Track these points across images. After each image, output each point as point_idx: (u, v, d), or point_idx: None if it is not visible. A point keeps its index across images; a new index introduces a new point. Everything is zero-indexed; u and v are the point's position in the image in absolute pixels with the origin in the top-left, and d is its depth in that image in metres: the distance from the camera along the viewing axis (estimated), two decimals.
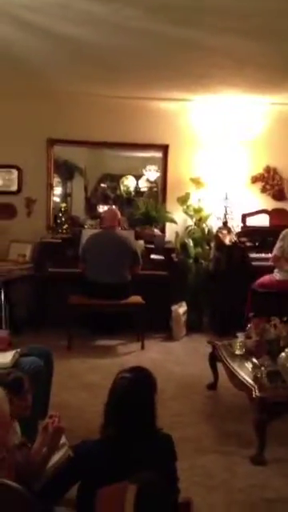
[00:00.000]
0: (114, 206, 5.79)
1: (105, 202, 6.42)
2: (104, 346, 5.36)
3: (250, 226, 6.07)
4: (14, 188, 6.20)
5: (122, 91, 5.95)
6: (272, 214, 6.14)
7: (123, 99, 6.12)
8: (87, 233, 5.70)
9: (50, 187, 6.29)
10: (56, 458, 2.33)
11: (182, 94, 5.97)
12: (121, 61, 4.74)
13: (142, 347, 5.27)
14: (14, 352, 3.04)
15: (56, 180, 6.47)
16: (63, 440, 2.40)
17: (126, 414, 2.16)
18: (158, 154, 6.42)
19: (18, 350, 3.11)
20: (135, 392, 2.20)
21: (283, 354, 3.39)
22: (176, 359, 5.03)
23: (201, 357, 4.56)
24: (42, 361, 3.14)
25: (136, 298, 5.31)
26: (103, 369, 4.48)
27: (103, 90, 5.93)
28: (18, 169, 6.18)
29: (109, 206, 5.72)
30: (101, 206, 6.25)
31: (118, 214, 5.62)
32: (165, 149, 6.34)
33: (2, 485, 1.66)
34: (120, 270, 5.28)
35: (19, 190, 6.22)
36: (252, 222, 6.13)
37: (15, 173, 6.19)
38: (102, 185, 6.70)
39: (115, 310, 5.39)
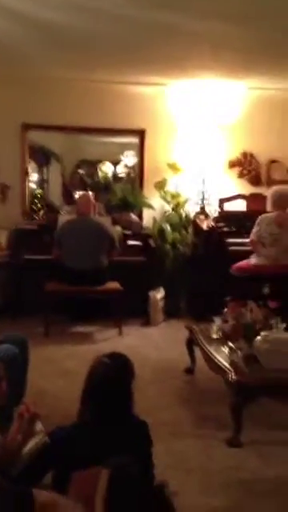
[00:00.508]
0: (90, 192, 5.73)
1: (82, 188, 6.36)
2: (81, 333, 5.34)
3: (227, 211, 6.08)
4: None
5: (98, 75, 5.88)
6: (249, 199, 6.15)
7: (99, 83, 6.06)
8: (63, 219, 5.65)
9: (26, 173, 6.21)
10: (32, 443, 2.32)
11: (158, 78, 5.92)
12: (97, 45, 4.68)
13: (120, 333, 5.27)
14: None
15: (32, 166, 6.38)
16: (40, 427, 2.39)
17: (102, 400, 2.16)
18: (135, 140, 6.38)
19: None
20: (112, 377, 2.20)
21: (259, 337, 3.41)
22: (153, 344, 5.04)
23: (178, 342, 4.57)
24: (17, 348, 3.11)
25: (113, 284, 5.30)
26: (80, 355, 4.47)
27: (79, 74, 5.86)
28: None
29: (83, 192, 5.66)
30: (78, 192, 6.18)
31: (92, 199, 5.57)
32: (141, 134, 6.29)
33: None
34: (96, 256, 5.26)
35: None
36: (229, 207, 6.14)
37: None
38: (80, 171, 6.63)
39: (92, 297, 5.37)
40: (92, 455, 1.92)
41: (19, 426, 2.28)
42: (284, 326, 3.63)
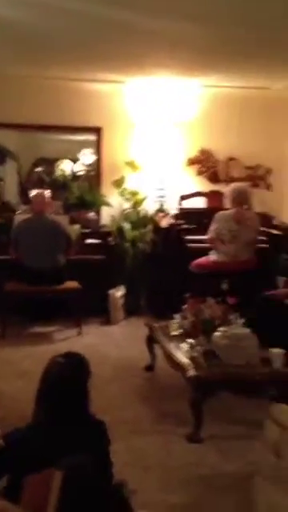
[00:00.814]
0: (45, 191, 5.64)
1: (41, 187, 6.26)
2: (40, 333, 5.26)
3: (186, 209, 6.09)
4: None
5: (54, 72, 5.81)
6: (208, 196, 6.19)
7: (56, 80, 5.99)
8: (19, 218, 5.55)
9: None
10: None
11: (115, 75, 5.89)
12: (52, 42, 4.61)
13: (80, 332, 5.21)
14: None
15: None
16: None
17: (56, 400, 2.11)
18: (93, 137, 6.33)
19: None
20: (66, 377, 2.16)
21: (217, 333, 3.42)
22: (114, 343, 5.01)
23: (139, 339, 4.55)
24: None
25: (72, 283, 5.24)
26: (39, 356, 4.36)
27: (35, 71, 5.78)
28: None
29: (38, 190, 5.58)
30: (33, 191, 6.08)
31: (47, 197, 5.49)
32: (98, 131, 6.25)
33: None
34: (53, 255, 5.19)
35: None
36: (188, 204, 6.16)
37: None
38: (38, 169, 6.53)
39: (51, 296, 5.30)
40: (47, 457, 1.87)
41: None
42: (242, 321, 3.65)
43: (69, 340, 5.05)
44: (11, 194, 6.38)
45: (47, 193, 5.53)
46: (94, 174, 6.33)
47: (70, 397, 2.13)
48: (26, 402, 3.46)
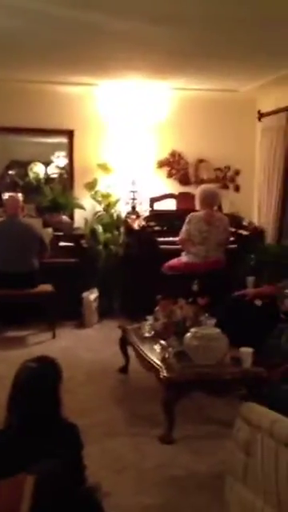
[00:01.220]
0: (19, 194, 5.63)
1: (14, 190, 6.23)
2: (13, 337, 5.25)
3: (157, 211, 6.14)
4: None
5: (25, 75, 5.80)
6: (178, 198, 6.24)
7: (27, 83, 5.98)
8: None
9: None
10: None
11: (86, 78, 5.90)
12: (21, 44, 4.60)
13: (53, 336, 5.22)
14: None
15: None
16: None
17: (27, 405, 2.12)
18: (66, 140, 6.34)
19: None
20: (37, 382, 2.17)
21: (189, 334, 3.47)
22: (87, 346, 5.03)
23: (112, 342, 4.58)
24: None
25: (45, 287, 5.24)
26: (12, 360, 4.30)
27: (7, 73, 5.75)
28: None
29: (11, 194, 5.56)
30: (6, 194, 6.06)
31: (20, 200, 5.48)
32: (70, 134, 6.27)
33: None
34: (26, 259, 5.18)
35: None
36: (159, 206, 6.21)
37: None
38: (10, 172, 6.50)
39: (24, 300, 5.28)
40: (19, 462, 1.89)
41: None
42: (213, 321, 3.72)
43: (43, 344, 5.06)
44: None
45: (20, 196, 5.53)
46: (67, 176, 6.34)
47: (41, 402, 2.14)
48: None
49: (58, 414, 2.20)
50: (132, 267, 5.85)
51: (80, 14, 3.77)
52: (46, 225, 5.84)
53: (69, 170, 6.33)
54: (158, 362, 3.42)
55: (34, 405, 2.11)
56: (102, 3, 3.57)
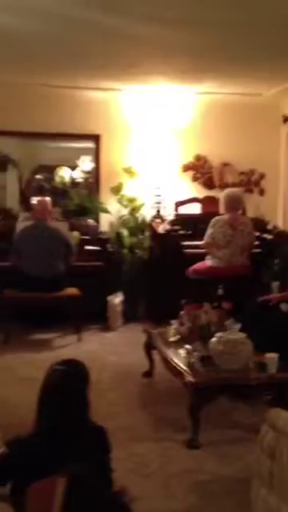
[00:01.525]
0: (47, 198, 5.71)
1: (40, 194, 6.32)
2: (41, 340, 5.32)
3: (182, 215, 6.16)
4: None
5: (52, 80, 5.89)
6: (203, 201, 6.26)
7: (55, 88, 6.06)
8: (20, 225, 5.62)
9: None
10: None
11: (111, 83, 5.97)
12: (47, 48, 4.69)
13: (79, 339, 5.28)
14: None
15: None
16: None
17: (56, 408, 2.16)
18: (92, 145, 6.40)
19: None
20: (66, 385, 2.21)
21: (214, 338, 3.48)
22: (112, 349, 5.07)
23: (137, 346, 4.61)
24: None
25: (71, 290, 5.30)
26: (40, 362, 4.42)
27: (33, 79, 5.85)
28: None
29: (40, 198, 5.65)
30: (34, 198, 6.15)
31: (49, 205, 5.56)
32: (96, 139, 6.33)
33: None
34: (53, 262, 5.25)
35: None
36: (184, 210, 6.23)
37: None
38: (37, 176, 6.60)
39: (51, 303, 5.35)
40: (49, 464, 1.93)
41: None
42: (238, 326, 3.72)
43: (69, 347, 5.11)
44: (12, 202, 6.46)
45: (48, 200, 5.60)
46: (93, 180, 6.41)
47: (70, 405, 2.18)
48: (28, 408, 3.51)
49: (86, 416, 2.24)
50: (157, 271, 5.87)
51: (106, 20, 3.83)
52: (72, 228, 5.90)
53: (95, 174, 6.39)
54: (184, 367, 3.44)
55: (63, 407, 2.15)
56: (128, 9, 3.62)
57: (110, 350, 5.03)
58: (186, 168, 6.46)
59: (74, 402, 2.19)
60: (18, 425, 3.25)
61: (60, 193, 6.36)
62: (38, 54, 4.85)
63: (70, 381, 2.22)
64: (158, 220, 6.05)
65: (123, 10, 3.64)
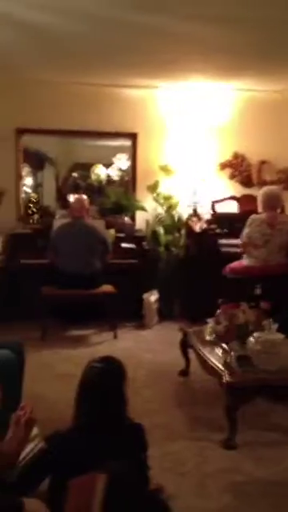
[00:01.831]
0: (84, 196, 5.76)
1: (76, 192, 6.39)
2: (77, 336, 5.38)
3: (219, 213, 6.12)
4: None
5: (89, 78, 5.91)
6: (241, 200, 6.20)
7: (92, 86, 6.09)
8: (58, 223, 5.68)
9: (20, 178, 6.24)
10: (28, 450, 2.36)
11: (149, 80, 5.96)
12: (86, 47, 4.72)
13: (115, 336, 5.31)
14: None
15: (26, 170, 6.41)
16: (36, 431, 2.43)
17: (95, 405, 2.18)
18: (128, 143, 6.42)
19: None
20: (104, 382, 2.23)
21: (251, 338, 3.45)
22: (148, 347, 5.08)
23: (172, 344, 4.61)
24: (13, 353, 3.14)
25: (107, 287, 5.33)
26: (76, 359, 4.49)
27: (71, 77, 5.89)
28: None
29: (77, 196, 5.71)
30: (71, 196, 6.21)
31: (86, 202, 5.60)
32: (133, 137, 6.33)
33: None
34: (90, 260, 5.29)
35: None
36: (221, 208, 6.18)
37: None
38: (73, 174, 6.66)
39: (87, 300, 5.39)
40: (87, 461, 1.95)
41: (15, 431, 2.32)
42: (276, 326, 3.67)
43: (105, 344, 5.16)
44: (49, 200, 6.53)
45: (85, 198, 5.65)
46: (129, 178, 6.42)
47: (108, 402, 2.20)
48: (65, 404, 3.56)
49: (124, 414, 2.25)
50: (192, 269, 5.85)
51: (144, 18, 3.84)
52: (108, 226, 5.94)
53: (131, 172, 6.41)
54: (220, 367, 3.42)
55: (100, 404, 2.17)
56: (166, 6, 3.62)
57: (146, 348, 5.04)
58: (224, 166, 6.41)
59: (111, 399, 2.21)
60: (56, 420, 3.29)
61: (95, 191, 6.41)
62: (76, 52, 4.89)
63: (107, 378, 2.24)
64: (195, 218, 6.02)
65: (163, 7, 3.64)
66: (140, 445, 2.27)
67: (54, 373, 4.33)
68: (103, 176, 6.37)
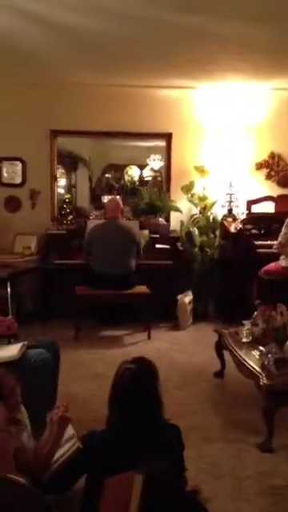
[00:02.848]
0: (117, 196, 5.77)
1: (109, 193, 6.42)
2: (110, 337, 5.37)
3: (255, 213, 6.05)
4: (18, 180, 6.22)
5: (124, 80, 5.92)
6: (277, 200, 6.10)
7: (126, 88, 6.10)
8: (92, 223, 5.70)
9: (54, 179, 6.29)
10: (64, 449, 2.35)
11: (185, 81, 5.93)
12: (123, 49, 4.72)
13: (149, 337, 5.28)
14: (21, 344, 3.04)
15: (60, 171, 6.46)
16: (71, 431, 2.42)
17: (130, 406, 2.16)
18: (162, 143, 6.41)
19: (25, 342, 3.11)
20: (138, 382, 2.21)
21: None
22: (182, 348, 5.03)
23: (207, 345, 4.55)
24: (49, 352, 3.15)
25: (141, 288, 5.31)
26: (110, 359, 4.49)
27: (105, 79, 5.90)
28: (22, 161, 6.19)
29: (111, 196, 5.71)
30: (105, 197, 6.23)
31: (120, 203, 5.60)
32: (168, 137, 6.31)
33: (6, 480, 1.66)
34: (124, 260, 5.28)
35: (23, 183, 6.23)
36: (257, 209, 6.10)
37: (19, 165, 6.20)
38: (107, 175, 6.69)
39: (121, 300, 5.38)
40: (124, 461, 1.93)
41: (51, 430, 2.32)
42: None
43: (138, 344, 5.13)
44: (82, 200, 6.57)
45: (119, 199, 5.65)
46: (164, 179, 6.40)
47: (143, 402, 2.17)
48: (99, 404, 3.57)
49: (159, 414, 2.22)
50: (228, 271, 5.79)
51: (185, 18, 3.82)
52: (142, 227, 5.93)
53: (166, 173, 6.38)
54: (258, 369, 3.36)
55: (135, 405, 2.14)
56: (207, 6, 3.59)
57: (180, 349, 5.00)
58: (260, 166, 6.33)
59: (146, 400, 2.19)
60: (90, 420, 3.30)
61: (129, 191, 6.41)
62: (112, 54, 4.90)
63: (141, 378, 2.22)
64: (230, 219, 5.96)
65: (204, 8, 3.63)
66: (177, 446, 2.24)
67: (87, 373, 4.32)
68: (136, 177, 6.37)
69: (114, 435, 2.19)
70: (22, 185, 6.22)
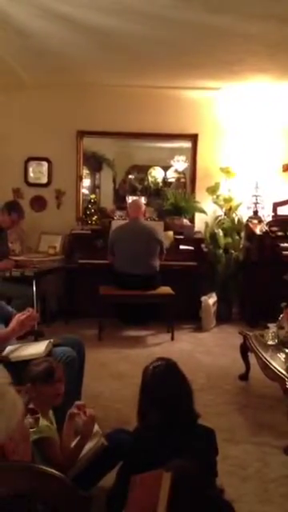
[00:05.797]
0: (142, 198, 5.78)
1: (133, 194, 6.42)
2: (134, 337, 5.37)
3: (281, 216, 5.99)
4: (44, 180, 6.27)
5: (149, 81, 5.92)
6: None
7: (150, 89, 6.10)
8: (116, 224, 5.71)
9: (80, 179, 6.33)
10: (89, 446, 2.36)
11: (211, 82, 5.90)
12: (150, 50, 4.72)
13: (172, 338, 5.27)
14: (47, 342, 3.06)
15: (85, 172, 6.49)
16: (96, 428, 2.43)
17: (165, 403, 2.13)
18: (186, 144, 6.39)
19: (51, 340, 3.13)
20: (171, 377, 2.19)
21: None
22: (206, 350, 5.01)
23: (231, 347, 4.53)
24: (74, 351, 3.16)
25: (165, 289, 5.30)
26: (134, 359, 4.51)
27: (131, 80, 5.91)
28: (48, 161, 6.24)
29: (135, 197, 5.72)
30: (129, 197, 6.24)
31: (143, 204, 5.61)
32: (194, 138, 6.30)
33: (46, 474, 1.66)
34: (148, 261, 5.29)
35: (49, 183, 6.28)
36: (283, 211, 6.05)
37: (45, 165, 6.26)
38: (130, 176, 6.70)
39: (145, 301, 5.39)
40: (159, 460, 1.90)
41: (70, 426, 2.35)
42: None
43: (162, 345, 5.12)
44: (107, 201, 6.58)
45: (143, 200, 5.66)
46: (188, 180, 6.39)
47: (174, 402, 2.15)
48: (122, 402, 3.58)
49: (194, 412, 2.19)
50: (252, 273, 5.75)
51: (213, 19, 3.80)
52: (166, 228, 5.92)
53: (191, 174, 6.36)
54: (283, 372, 3.33)
55: (169, 405, 2.12)
56: (236, 6, 3.57)
57: (203, 351, 4.98)
58: (287, 167, 6.26)
59: (180, 396, 2.16)
60: (113, 419, 3.31)
61: (152, 192, 6.41)
62: (138, 55, 4.90)
63: (172, 373, 2.21)
64: (255, 221, 5.91)
65: (232, 9, 3.60)
66: (210, 450, 2.20)
67: (110, 372, 4.33)
68: (160, 178, 6.36)
69: (149, 434, 2.13)
70: (47, 185, 6.27)
